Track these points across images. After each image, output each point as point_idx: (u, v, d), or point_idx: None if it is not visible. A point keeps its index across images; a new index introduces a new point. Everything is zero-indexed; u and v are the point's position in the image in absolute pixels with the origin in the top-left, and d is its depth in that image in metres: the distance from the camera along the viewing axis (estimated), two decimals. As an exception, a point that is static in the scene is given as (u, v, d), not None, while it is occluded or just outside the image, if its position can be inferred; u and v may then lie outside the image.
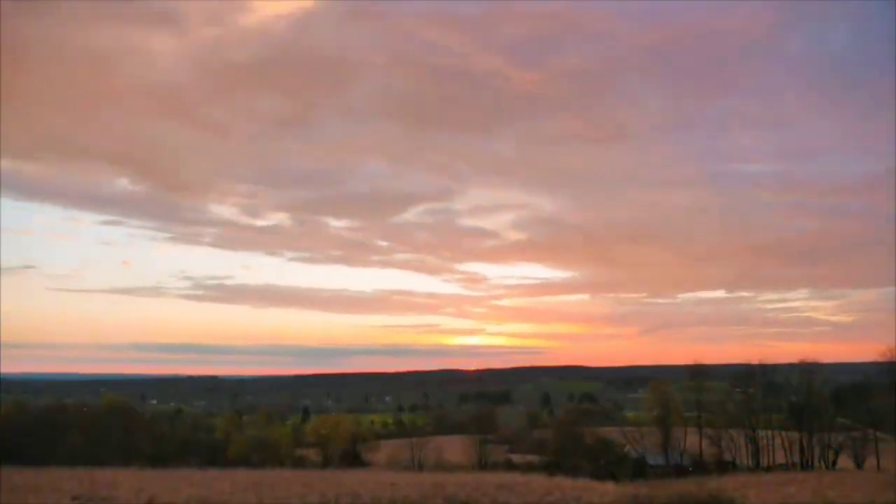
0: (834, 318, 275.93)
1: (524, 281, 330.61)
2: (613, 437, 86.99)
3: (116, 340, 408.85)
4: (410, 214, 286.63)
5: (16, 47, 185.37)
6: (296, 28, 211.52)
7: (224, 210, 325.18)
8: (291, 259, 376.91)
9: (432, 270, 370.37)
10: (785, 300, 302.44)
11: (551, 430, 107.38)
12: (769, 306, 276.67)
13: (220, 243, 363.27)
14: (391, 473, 48.30)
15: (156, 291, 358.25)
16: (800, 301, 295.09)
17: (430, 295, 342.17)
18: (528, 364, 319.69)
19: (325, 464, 75.51)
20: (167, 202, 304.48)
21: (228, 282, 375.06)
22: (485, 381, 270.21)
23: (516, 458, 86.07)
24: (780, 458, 74.54)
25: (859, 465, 70.82)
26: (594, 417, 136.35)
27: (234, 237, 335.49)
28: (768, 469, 68.82)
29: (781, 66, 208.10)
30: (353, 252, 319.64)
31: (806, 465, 71.87)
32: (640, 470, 72.68)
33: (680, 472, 70.51)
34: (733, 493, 36.24)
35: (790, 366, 79.38)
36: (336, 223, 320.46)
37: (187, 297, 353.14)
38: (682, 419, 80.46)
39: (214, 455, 73.73)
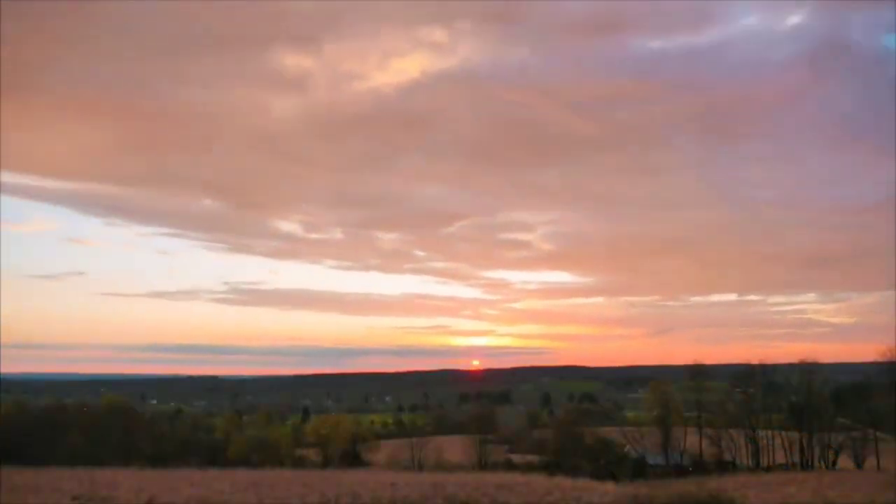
0: (835, 320, 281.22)
1: (543, 286, 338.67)
2: (613, 437, 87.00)
3: (137, 341, 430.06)
4: (454, 228, 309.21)
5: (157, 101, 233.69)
6: (399, 92, 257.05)
7: (285, 225, 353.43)
8: (331, 267, 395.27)
9: (461, 277, 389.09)
10: (792, 303, 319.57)
11: (551, 430, 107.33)
12: (775, 308, 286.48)
13: (270, 254, 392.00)
14: (391, 473, 48.31)
15: (190, 295, 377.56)
16: (806, 304, 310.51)
17: (451, 298, 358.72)
18: (528, 364, 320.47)
19: (325, 464, 75.52)
20: (235, 218, 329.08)
21: (262, 286, 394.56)
22: (485, 381, 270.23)
23: (516, 458, 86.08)
24: (780, 458, 74.56)
25: (859, 465, 70.83)
26: (594, 417, 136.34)
27: (285, 248, 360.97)
28: (768, 469, 68.84)
29: (795, 121, 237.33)
30: (389, 261, 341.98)
31: (806, 465, 71.88)
32: (640, 470, 72.71)
33: (680, 472, 70.54)
34: (733, 493, 36.23)
35: (790, 366, 79.42)
36: (383, 236, 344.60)
37: (219, 300, 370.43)
38: (682, 419, 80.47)
39: (214, 455, 73.72)
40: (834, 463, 72.21)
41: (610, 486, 42.12)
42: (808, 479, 48.72)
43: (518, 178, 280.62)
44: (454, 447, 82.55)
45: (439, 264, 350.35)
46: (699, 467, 71.60)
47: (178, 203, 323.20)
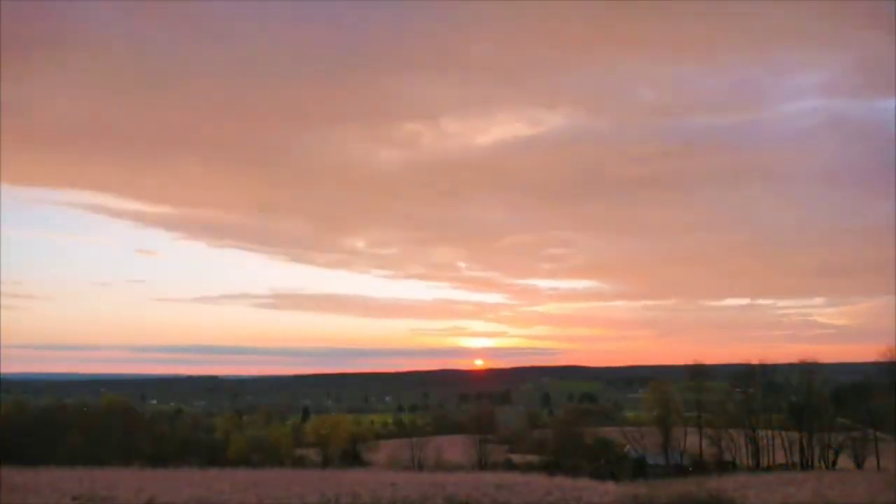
0: (839, 322, 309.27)
1: (567, 292, 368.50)
2: (613, 437, 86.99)
3: (167, 342, 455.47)
4: (503, 244, 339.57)
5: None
6: (488, 147, 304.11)
7: (353, 241, 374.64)
8: (375, 276, 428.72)
9: (494, 286, 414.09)
10: (800, 307, 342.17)
11: (551, 430, 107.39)
12: (782, 311, 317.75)
13: (327, 264, 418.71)
14: (391, 473, 48.29)
15: (233, 300, 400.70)
16: (812, 308, 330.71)
17: (476, 303, 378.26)
18: (528, 364, 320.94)
19: (325, 464, 75.51)
20: (311, 237, 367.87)
21: (300, 292, 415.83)
22: (485, 381, 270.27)
23: (516, 458, 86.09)
24: (780, 458, 74.54)
25: (859, 465, 70.81)
26: (594, 417, 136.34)
27: (342, 260, 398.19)
28: (768, 469, 68.78)
29: (807, 168, 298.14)
30: (431, 271, 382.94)
31: (806, 465, 71.87)
32: (640, 470, 72.69)
33: (680, 472, 70.51)
34: (733, 493, 36.24)
35: (790, 366, 79.35)
36: (433, 250, 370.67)
37: (260, 304, 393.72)
38: (682, 419, 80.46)
39: (214, 455, 73.69)
40: (834, 463, 72.20)
41: (610, 486, 42.14)
42: (808, 479, 48.66)
43: (567, 209, 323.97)
44: (454, 447, 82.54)
45: (477, 274, 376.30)
46: (699, 467, 71.57)
47: (266, 224, 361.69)
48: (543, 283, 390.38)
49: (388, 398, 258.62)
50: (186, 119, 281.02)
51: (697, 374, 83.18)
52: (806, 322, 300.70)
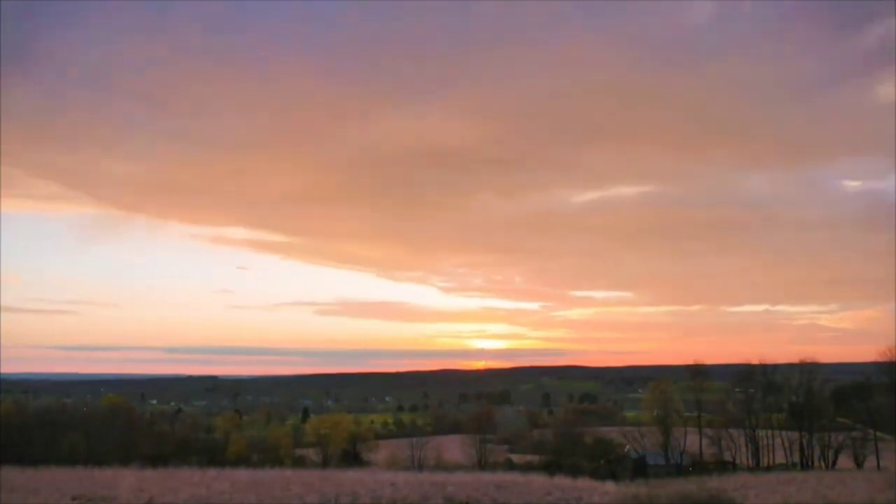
0: (844, 325, 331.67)
1: (599, 300, 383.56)
2: (613, 437, 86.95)
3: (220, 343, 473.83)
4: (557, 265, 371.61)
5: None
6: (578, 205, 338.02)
7: (439, 261, 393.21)
8: (437, 288, 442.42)
9: (540, 297, 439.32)
10: (817, 312, 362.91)
11: (551, 430, 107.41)
12: (789, 315, 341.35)
13: (403, 279, 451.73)
14: (391, 473, 48.23)
15: (296, 308, 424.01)
16: (820, 313, 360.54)
17: (516, 310, 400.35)
18: (528, 364, 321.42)
19: (325, 464, 75.47)
20: (402, 259, 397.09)
21: (350, 299, 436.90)
22: (485, 381, 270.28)
23: (516, 458, 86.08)
24: (780, 458, 74.55)
25: (859, 465, 70.79)
26: (594, 417, 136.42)
27: (417, 276, 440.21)
28: (768, 469, 68.77)
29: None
30: (489, 284, 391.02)
31: (806, 465, 71.86)
32: (640, 470, 72.65)
33: (680, 472, 70.51)
34: (733, 493, 36.26)
35: (790, 366, 79.25)
36: (500, 269, 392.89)
37: (318, 312, 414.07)
38: (682, 419, 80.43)
39: (214, 455, 73.69)
40: (834, 463, 72.19)
41: (610, 486, 42.14)
42: (808, 479, 48.71)
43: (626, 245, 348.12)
44: (454, 447, 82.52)
45: (528, 286, 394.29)
46: (699, 467, 71.55)
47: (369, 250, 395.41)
48: (580, 293, 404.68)
49: (388, 398, 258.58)
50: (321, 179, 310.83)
51: (697, 374, 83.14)
52: (814, 325, 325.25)
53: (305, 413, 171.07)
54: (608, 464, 75.84)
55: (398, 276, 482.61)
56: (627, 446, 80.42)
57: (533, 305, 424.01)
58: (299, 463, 76.74)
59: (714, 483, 44.11)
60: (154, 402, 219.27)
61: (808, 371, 76.62)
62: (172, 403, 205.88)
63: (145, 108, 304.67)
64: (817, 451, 73.35)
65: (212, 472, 43.78)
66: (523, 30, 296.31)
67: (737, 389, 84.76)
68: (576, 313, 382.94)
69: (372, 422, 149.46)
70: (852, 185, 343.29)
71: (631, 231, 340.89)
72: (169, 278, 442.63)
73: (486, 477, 44.02)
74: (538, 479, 42.26)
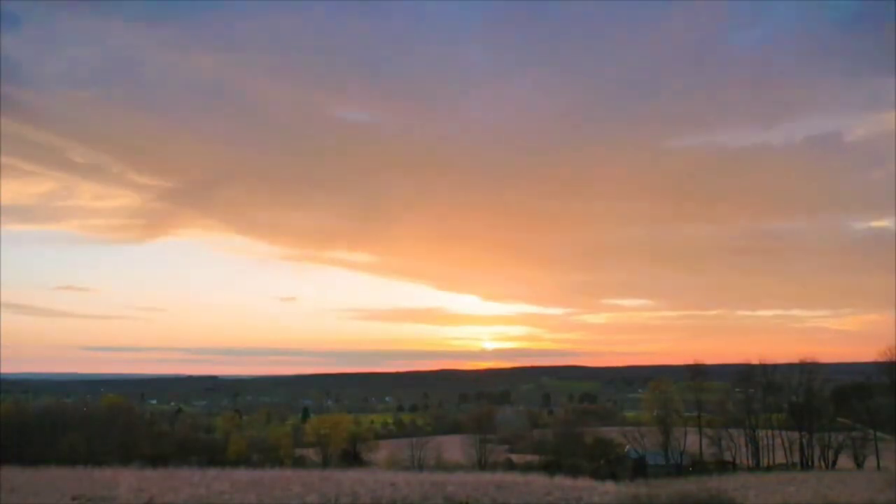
0: (850, 328, 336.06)
1: (624, 306, 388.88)
2: (613, 437, 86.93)
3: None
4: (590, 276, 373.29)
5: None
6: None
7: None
8: (482, 298, 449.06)
9: (575, 305, 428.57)
10: (825, 316, 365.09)
11: (551, 430, 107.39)
12: (797, 318, 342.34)
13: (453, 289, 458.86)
14: (391, 473, 48.26)
15: (336, 314, 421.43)
16: (826, 317, 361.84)
17: (544, 315, 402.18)
18: (528, 364, 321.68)
19: (325, 464, 75.46)
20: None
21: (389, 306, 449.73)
22: (485, 381, 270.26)
23: (516, 458, 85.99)
24: (780, 458, 74.50)
25: (859, 465, 70.77)
26: (594, 417, 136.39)
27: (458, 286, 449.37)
28: (768, 469, 68.78)
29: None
30: (531, 295, 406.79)
31: (806, 465, 71.83)
32: (640, 470, 72.63)
33: (680, 472, 70.49)
34: (733, 493, 36.27)
35: (790, 366, 79.20)
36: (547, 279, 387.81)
37: (353, 317, 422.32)
38: (682, 419, 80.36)
39: (214, 455, 73.70)
40: (834, 463, 72.15)
41: (610, 486, 42.17)
42: (808, 479, 48.73)
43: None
44: (454, 447, 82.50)
45: (560, 295, 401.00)
46: (699, 467, 71.54)
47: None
48: (608, 302, 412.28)
49: (388, 398, 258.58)
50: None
51: (697, 374, 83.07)
52: (818, 328, 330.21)
53: (305, 413, 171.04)
54: (608, 464, 75.81)
55: (449, 287, 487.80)
56: (627, 446, 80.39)
57: (557, 311, 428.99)
58: (299, 463, 76.74)
59: (714, 483, 44.12)
60: (154, 402, 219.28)
61: (808, 371, 76.55)
62: (172, 403, 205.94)
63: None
64: (817, 451, 73.30)
65: (212, 472, 43.83)
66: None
67: (737, 389, 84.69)
68: (601, 318, 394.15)
69: (372, 422, 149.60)
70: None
71: (665, 253, 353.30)
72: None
73: (486, 477, 44.07)
74: (538, 479, 42.32)
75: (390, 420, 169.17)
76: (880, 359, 76.18)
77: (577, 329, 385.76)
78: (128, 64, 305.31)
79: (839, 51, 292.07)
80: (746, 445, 75.26)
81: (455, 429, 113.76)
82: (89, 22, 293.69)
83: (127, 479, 37.80)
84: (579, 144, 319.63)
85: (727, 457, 74.42)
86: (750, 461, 74.30)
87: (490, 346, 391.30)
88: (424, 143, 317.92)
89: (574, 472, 55.80)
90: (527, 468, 62.39)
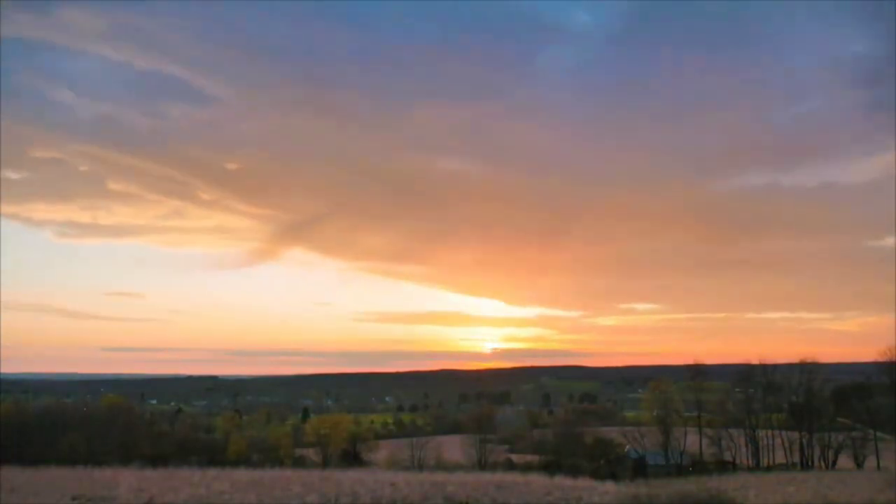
0: (854, 330, 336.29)
1: (638, 309, 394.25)
2: (613, 437, 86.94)
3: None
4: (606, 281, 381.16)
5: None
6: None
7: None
8: (505, 303, 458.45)
9: (588, 308, 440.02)
10: (832, 319, 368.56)
11: (551, 430, 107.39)
12: (805, 321, 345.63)
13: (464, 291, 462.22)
14: (391, 473, 48.26)
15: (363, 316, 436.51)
16: (845, 320, 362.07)
17: (557, 317, 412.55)
18: (528, 364, 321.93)
19: (325, 464, 75.47)
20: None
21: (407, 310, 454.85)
22: (485, 381, 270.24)
23: (516, 458, 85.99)
24: (780, 458, 74.50)
25: (859, 465, 70.78)
26: (594, 417, 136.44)
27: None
28: (768, 469, 68.78)
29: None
30: (550, 299, 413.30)
31: (806, 465, 71.83)
32: (640, 470, 72.63)
33: (680, 472, 70.48)
34: (733, 493, 36.27)
35: (790, 366, 79.21)
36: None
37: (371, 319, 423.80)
38: (682, 419, 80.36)
39: (214, 455, 73.70)
40: (834, 463, 72.15)
41: (610, 486, 42.17)
42: (808, 479, 48.74)
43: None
44: (454, 447, 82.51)
45: (578, 299, 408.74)
46: (699, 467, 71.52)
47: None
48: (625, 306, 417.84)
49: (388, 398, 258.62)
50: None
51: (697, 374, 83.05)
52: (820, 330, 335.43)
53: (305, 413, 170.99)
54: (608, 464, 75.80)
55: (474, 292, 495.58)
56: (627, 446, 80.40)
57: (571, 313, 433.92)
58: (299, 463, 76.74)
59: (714, 483, 44.14)
60: (154, 402, 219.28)
61: (808, 371, 76.56)
62: (172, 403, 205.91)
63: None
64: (817, 451, 73.29)
65: (212, 472, 43.84)
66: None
67: (737, 389, 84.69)
68: (612, 320, 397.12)
69: (372, 422, 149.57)
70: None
71: (680, 264, 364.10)
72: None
73: (486, 477, 44.07)
74: (538, 479, 42.34)
75: (390, 420, 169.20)
76: (880, 359, 76.25)
77: (587, 331, 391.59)
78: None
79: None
80: (746, 445, 75.25)
81: (455, 429, 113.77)
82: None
83: (127, 479, 37.81)
84: (618, 178, 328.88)
85: (727, 457, 74.42)
86: (750, 461, 74.29)
87: (497, 346, 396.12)
88: (484, 178, 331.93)
89: (574, 472, 55.82)
90: (527, 468, 62.40)
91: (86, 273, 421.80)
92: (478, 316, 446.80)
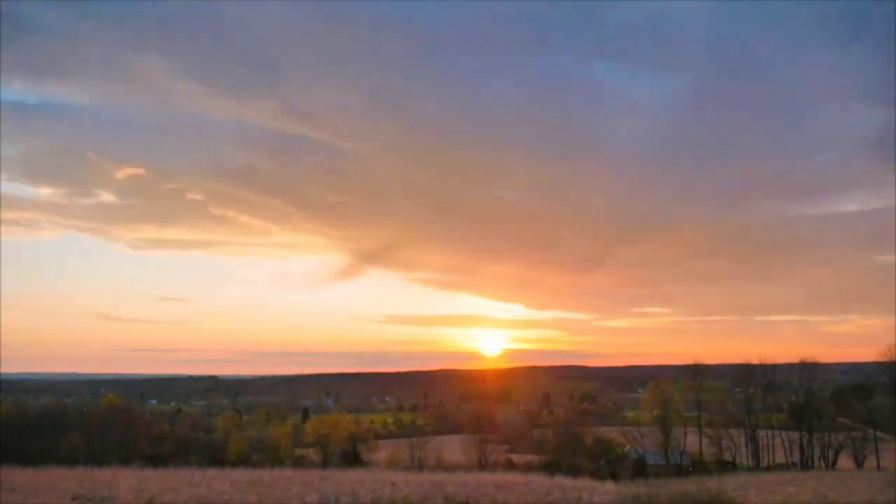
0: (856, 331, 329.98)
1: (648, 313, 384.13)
2: (613, 437, 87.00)
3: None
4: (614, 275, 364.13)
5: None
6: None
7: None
8: (524, 306, 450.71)
9: (609, 314, 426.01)
10: (835, 322, 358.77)
11: (551, 430, 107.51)
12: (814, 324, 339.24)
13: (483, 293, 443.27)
14: (391, 473, 48.23)
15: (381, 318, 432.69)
16: (849, 323, 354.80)
17: (568, 320, 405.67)
18: (528, 364, 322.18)
19: (325, 464, 75.49)
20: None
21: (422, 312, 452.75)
22: (485, 381, 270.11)
23: (516, 458, 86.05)
24: (780, 458, 74.60)
25: (859, 465, 70.83)
26: (594, 417, 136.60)
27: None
28: (768, 469, 68.83)
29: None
30: (562, 301, 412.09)
31: (806, 465, 71.90)
32: (640, 470, 72.65)
33: (680, 472, 70.53)
34: (733, 493, 36.22)
35: (790, 366, 79.30)
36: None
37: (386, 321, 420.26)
38: (682, 419, 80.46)
39: (214, 455, 73.72)
40: (834, 463, 72.22)
41: (610, 486, 42.13)
42: (808, 479, 48.69)
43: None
44: (454, 447, 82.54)
45: (590, 303, 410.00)
46: (699, 467, 71.56)
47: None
48: (637, 310, 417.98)
49: (388, 398, 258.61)
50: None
51: (697, 374, 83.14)
52: (821, 331, 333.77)
53: (305, 413, 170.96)
54: (608, 464, 75.82)
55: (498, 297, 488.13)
56: (627, 446, 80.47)
57: (584, 316, 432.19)
58: (299, 463, 76.70)
59: (714, 483, 44.08)
60: (154, 402, 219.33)
61: (808, 371, 76.67)
62: (172, 403, 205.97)
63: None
64: (817, 451, 73.39)
65: (212, 472, 43.78)
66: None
67: (737, 389, 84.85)
68: (623, 323, 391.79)
69: (372, 422, 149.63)
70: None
71: (698, 273, 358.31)
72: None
73: (486, 477, 44.04)
74: (538, 479, 42.30)
75: (390, 420, 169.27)
76: (880, 359, 76.32)
77: (596, 333, 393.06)
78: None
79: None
80: (746, 445, 75.35)
81: (455, 429, 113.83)
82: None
83: (127, 479, 37.78)
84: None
85: (727, 457, 74.53)
86: (750, 461, 74.39)
87: (500, 347, 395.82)
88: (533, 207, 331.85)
89: (574, 472, 55.89)
90: (527, 468, 62.41)
91: (147, 280, 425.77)
92: (495, 318, 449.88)
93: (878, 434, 75.09)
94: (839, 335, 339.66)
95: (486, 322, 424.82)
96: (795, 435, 74.77)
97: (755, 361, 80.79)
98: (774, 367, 79.73)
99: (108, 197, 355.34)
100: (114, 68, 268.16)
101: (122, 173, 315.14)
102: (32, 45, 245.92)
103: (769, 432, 76.32)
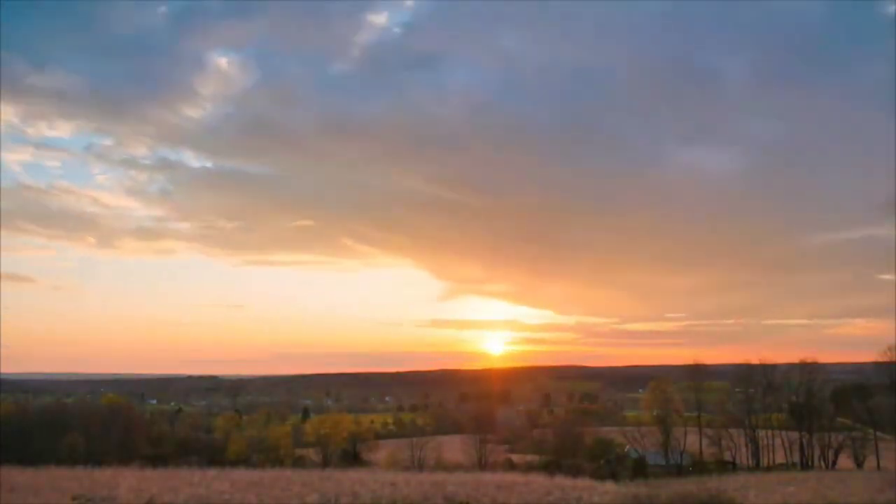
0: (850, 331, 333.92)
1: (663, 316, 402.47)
2: (613, 437, 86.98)
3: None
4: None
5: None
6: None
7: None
8: (548, 311, 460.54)
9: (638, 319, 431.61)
10: (836, 325, 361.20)
11: (551, 430, 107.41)
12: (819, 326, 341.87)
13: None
14: (391, 473, 48.24)
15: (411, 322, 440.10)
16: (852, 326, 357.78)
17: (582, 324, 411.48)
18: (528, 364, 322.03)
19: (325, 464, 75.44)
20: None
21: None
22: (485, 381, 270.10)
23: (516, 458, 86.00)
24: (780, 458, 74.59)
25: (859, 465, 70.83)
26: (594, 417, 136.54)
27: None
28: (768, 469, 68.82)
29: None
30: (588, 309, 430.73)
31: (806, 465, 71.89)
32: (640, 470, 72.62)
33: (680, 472, 70.52)
34: (733, 493, 36.22)
35: (790, 366, 79.32)
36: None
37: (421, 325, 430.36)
38: (682, 419, 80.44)
39: (214, 455, 73.69)
40: (834, 463, 72.22)
41: (610, 486, 42.14)
42: (808, 479, 48.72)
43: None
44: (454, 447, 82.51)
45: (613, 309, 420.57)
46: (699, 467, 71.54)
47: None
48: (660, 317, 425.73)
49: (388, 398, 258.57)
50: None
51: (697, 374, 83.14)
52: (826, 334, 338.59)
53: (305, 413, 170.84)
54: (608, 464, 75.79)
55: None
56: (627, 446, 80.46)
57: (592, 320, 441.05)
58: (299, 463, 76.64)
59: (714, 483, 44.10)
60: (154, 402, 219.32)
61: (808, 371, 76.67)
62: (172, 403, 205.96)
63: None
64: (817, 451, 73.38)
65: (212, 472, 43.79)
66: None
67: (737, 389, 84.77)
68: (635, 326, 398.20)
69: (372, 422, 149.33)
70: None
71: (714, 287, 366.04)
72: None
73: (486, 477, 44.06)
74: (538, 479, 42.32)
75: (390, 420, 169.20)
76: (880, 359, 76.35)
77: (606, 335, 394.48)
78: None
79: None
80: (746, 445, 75.34)
81: (455, 429, 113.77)
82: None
83: (127, 479, 37.77)
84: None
85: (727, 457, 74.51)
86: (750, 461, 74.37)
87: (503, 349, 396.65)
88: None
89: (574, 472, 55.82)
90: (527, 468, 62.40)
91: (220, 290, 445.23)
92: (518, 322, 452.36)
93: (878, 434, 75.10)
94: (840, 336, 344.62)
95: (514, 326, 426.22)
96: (795, 435, 74.76)
97: (755, 361, 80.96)
98: (774, 367, 79.71)
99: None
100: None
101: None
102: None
103: (769, 432, 76.29)
